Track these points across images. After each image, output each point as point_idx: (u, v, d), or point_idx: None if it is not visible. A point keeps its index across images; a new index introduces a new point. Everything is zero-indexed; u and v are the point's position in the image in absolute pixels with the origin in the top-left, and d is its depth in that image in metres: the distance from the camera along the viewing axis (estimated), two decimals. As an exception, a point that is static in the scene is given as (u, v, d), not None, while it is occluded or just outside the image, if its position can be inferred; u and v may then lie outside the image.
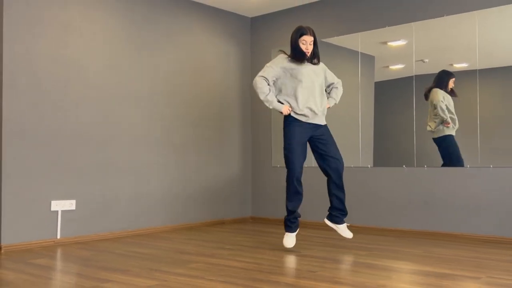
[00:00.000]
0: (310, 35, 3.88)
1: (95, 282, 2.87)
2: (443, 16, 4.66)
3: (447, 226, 4.57)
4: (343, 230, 4.01)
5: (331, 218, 4.04)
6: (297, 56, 3.88)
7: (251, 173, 6.05)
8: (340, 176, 3.94)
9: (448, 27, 4.64)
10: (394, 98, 4.97)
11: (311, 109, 3.86)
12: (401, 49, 4.93)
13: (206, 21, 5.61)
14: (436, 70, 4.70)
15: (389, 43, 5.01)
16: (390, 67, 5.02)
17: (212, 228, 5.30)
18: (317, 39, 5.50)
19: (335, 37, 5.36)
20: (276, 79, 3.91)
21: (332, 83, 4.09)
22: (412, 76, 4.81)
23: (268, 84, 3.89)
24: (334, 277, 2.96)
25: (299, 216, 3.94)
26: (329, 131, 3.99)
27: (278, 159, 5.77)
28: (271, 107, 3.89)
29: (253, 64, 6.09)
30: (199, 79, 5.50)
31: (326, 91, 4.10)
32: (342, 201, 3.98)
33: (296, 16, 5.71)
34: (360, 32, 5.18)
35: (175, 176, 5.21)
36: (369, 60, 5.14)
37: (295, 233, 3.92)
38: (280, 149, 5.73)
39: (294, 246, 4.00)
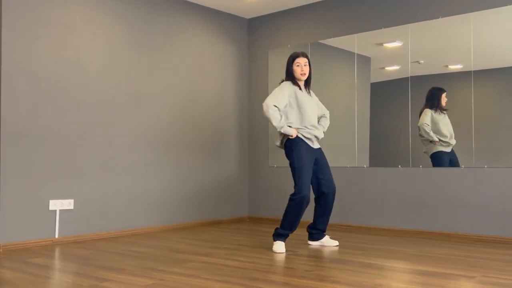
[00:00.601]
0: (304, 57, 3.95)
1: (93, 281, 2.87)
2: (439, 18, 4.67)
3: (442, 226, 4.58)
4: (327, 241, 4.07)
5: (312, 237, 4.12)
6: (294, 79, 3.95)
7: (248, 173, 6.05)
8: (331, 200, 4.01)
9: (443, 29, 4.65)
10: (390, 98, 4.97)
11: (315, 136, 3.95)
12: (397, 50, 4.93)
13: (203, 22, 5.61)
14: (432, 71, 4.71)
15: (385, 44, 5.01)
16: (386, 68, 5.02)
17: (209, 227, 5.30)
18: (314, 42, 5.51)
19: (332, 38, 5.36)
20: (284, 106, 3.92)
21: (323, 114, 4.17)
22: (408, 77, 4.82)
23: (279, 111, 3.90)
24: (330, 276, 2.97)
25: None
26: (324, 155, 4.09)
27: (275, 159, 5.77)
28: (282, 131, 3.86)
29: (250, 65, 6.09)
30: (196, 80, 5.50)
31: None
32: (326, 223, 4.07)
33: (293, 17, 5.71)
34: (356, 34, 5.19)
35: (172, 176, 5.21)
36: (365, 61, 5.14)
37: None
38: (276, 150, 5.73)
39: (289, 246, 4.03)
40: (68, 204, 4.35)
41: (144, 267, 3.23)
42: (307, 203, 3.79)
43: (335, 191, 4.03)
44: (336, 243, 4.06)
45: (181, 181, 5.30)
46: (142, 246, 4.10)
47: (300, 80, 3.97)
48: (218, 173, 5.70)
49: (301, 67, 3.93)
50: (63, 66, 4.37)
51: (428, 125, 4.67)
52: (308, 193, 3.79)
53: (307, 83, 4.02)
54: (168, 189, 5.16)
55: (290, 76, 3.97)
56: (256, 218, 5.90)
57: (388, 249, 3.91)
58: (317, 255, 3.68)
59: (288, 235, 3.90)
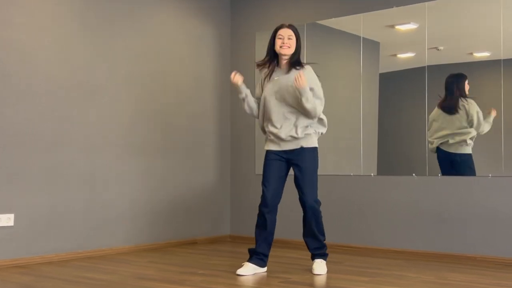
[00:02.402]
0: (288, 28, 3.94)
1: (36, 315, 2.83)
2: (462, -5, 4.71)
3: (465, 247, 4.59)
4: (315, 267, 3.98)
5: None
6: (269, 56, 3.97)
7: (230, 182, 6.03)
8: (310, 217, 3.96)
9: (467, 9, 4.67)
10: (403, 92, 5.00)
11: (276, 136, 3.98)
12: (412, 34, 4.96)
13: (176, -3, 5.60)
14: (453, 59, 4.73)
15: (397, 27, 5.03)
16: (398, 55, 5.04)
17: (182, 249, 5.29)
18: (311, 23, 5.49)
19: (333, 19, 5.37)
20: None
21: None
22: (424, 67, 4.84)
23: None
24: (329, 308, 2.95)
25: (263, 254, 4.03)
26: (307, 158, 3.97)
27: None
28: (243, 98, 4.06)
29: (233, 52, 6.07)
30: (167, 69, 5.48)
31: None
32: (314, 244, 4.02)
33: (286, -7, 5.73)
34: (362, 13, 5.20)
35: (137, 185, 5.18)
36: (373, 46, 5.16)
37: (256, 266, 3.98)
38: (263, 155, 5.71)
39: (281, 271, 4.03)
40: (6, 220, 4.30)
41: (100, 298, 3.21)
42: (269, 217, 3.99)
43: (312, 206, 3.94)
44: (320, 272, 3.93)
45: (148, 192, 5.27)
46: (99, 271, 4.07)
47: (282, 55, 3.93)
48: (193, 183, 5.68)
49: (283, 39, 3.89)
50: (1, 48, 4.32)
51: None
52: (268, 205, 3.98)
53: (294, 58, 3.94)
54: (132, 202, 5.14)
55: (269, 52, 3.97)
56: (239, 237, 5.89)
57: (400, 275, 3.92)
58: (313, 282, 3.67)
59: (257, 254, 4.00)
